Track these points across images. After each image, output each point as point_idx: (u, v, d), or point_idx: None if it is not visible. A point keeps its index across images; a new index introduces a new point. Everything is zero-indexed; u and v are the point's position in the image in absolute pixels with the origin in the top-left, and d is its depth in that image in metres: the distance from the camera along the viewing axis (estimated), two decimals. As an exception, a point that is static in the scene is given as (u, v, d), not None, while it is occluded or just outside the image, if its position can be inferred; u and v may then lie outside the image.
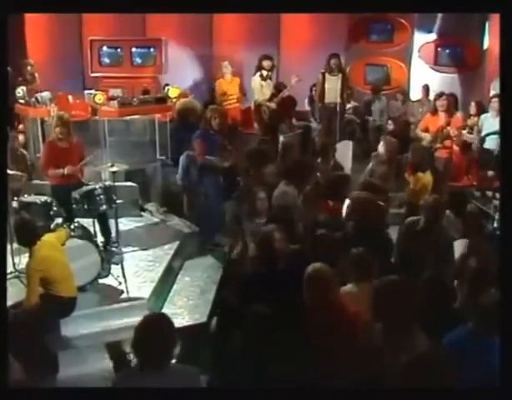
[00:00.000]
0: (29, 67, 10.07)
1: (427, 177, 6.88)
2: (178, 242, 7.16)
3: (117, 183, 6.57)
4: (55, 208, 6.18)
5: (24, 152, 8.47)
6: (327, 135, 9.14)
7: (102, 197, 6.16)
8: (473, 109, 9.24)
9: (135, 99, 8.72)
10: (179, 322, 5.53)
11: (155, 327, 3.27)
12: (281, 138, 8.55)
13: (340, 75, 9.41)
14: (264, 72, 9.89)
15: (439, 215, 5.41)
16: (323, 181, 6.43)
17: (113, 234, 6.56)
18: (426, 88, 10.64)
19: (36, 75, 10.08)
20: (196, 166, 7.29)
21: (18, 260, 5.97)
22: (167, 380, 3.20)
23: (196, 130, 7.38)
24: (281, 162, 7.37)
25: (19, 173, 7.04)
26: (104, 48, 10.98)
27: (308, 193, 6.20)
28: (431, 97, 9.91)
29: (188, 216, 7.72)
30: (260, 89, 9.88)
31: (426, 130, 8.52)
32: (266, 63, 9.93)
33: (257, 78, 9.92)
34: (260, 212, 5.86)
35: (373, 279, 4.20)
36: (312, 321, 3.85)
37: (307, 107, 10.78)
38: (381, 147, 7.40)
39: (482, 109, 9.10)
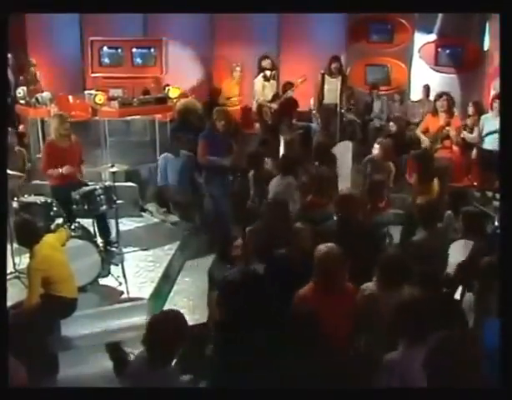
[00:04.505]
0: (32, 68, 10.08)
1: (436, 184, 6.77)
2: (178, 243, 7.17)
3: (117, 183, 6.58)
4: (55, 209, 6.19)
5: (22, 149, 8.47)
6: (326, 136, 9.10)
7: (102, 197, 6.18)
8: (471, 110, 9.23)
9: (135, 99, 8.73)
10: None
11: (172, 323, 3.26)
12: (281, 138, 8.54)
13: (340, 77, 9.41)
14: (268, 73, 9.91)
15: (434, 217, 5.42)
16: (309, 176, 6.44)
17: (113, 234, 6.57)
18: (427, 88, 10.62)
19: (37, 75, 10.09)
20: (199, 166, 7.32)
21: (18, 260, 5.98)
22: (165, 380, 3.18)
23: (196, 130, 7.40)
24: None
25: (17, 173, 7.04)
26: (105, 49, 10.96)
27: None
28: (431, 97, 9.90)
29: (181, 216, 7.71)
30: (262, 90, 9.92)
31: (426, 131, 8.51)
32: (265, 63, 9.96)
33: (259, 79, 9.99)
34: (234, 258, 4.85)
35: (405, 285, 4.06)
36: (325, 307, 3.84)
37: (312, 107, 10.75)
38: (376, 150, 7.27)
39: (480, 110, 9.08)
